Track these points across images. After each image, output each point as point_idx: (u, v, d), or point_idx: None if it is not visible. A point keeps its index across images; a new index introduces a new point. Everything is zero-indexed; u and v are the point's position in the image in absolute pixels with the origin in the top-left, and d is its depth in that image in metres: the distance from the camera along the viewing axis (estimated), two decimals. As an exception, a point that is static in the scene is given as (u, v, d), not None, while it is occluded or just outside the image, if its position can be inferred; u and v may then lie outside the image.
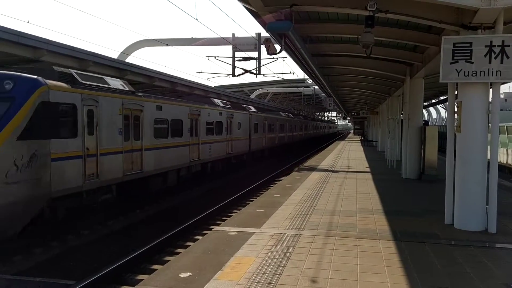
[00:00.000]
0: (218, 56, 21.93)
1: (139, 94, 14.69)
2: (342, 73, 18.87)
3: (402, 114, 17.76)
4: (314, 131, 63.87)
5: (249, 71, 21.07)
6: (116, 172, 13.00)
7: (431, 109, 67.32)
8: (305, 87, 47.31)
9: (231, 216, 10.98)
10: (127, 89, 14.19)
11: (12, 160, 9.36)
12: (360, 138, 55.00)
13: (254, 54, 21.25)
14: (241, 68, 21.17)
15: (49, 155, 10.29)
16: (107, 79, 13.47)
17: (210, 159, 20.16)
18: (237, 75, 21.55)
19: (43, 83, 10.29)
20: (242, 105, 27.76)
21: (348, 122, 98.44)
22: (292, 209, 10.22)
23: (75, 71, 12.31)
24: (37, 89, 10.05)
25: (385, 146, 24.42)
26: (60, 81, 10.98)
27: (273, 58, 21.13)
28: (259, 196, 15.22)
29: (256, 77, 26.10)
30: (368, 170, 18.71)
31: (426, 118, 67.87)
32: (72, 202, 11.33)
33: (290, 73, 42.11)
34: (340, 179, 15.41)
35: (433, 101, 38.77)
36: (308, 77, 23.92)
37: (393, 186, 14.15)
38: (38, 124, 9.99)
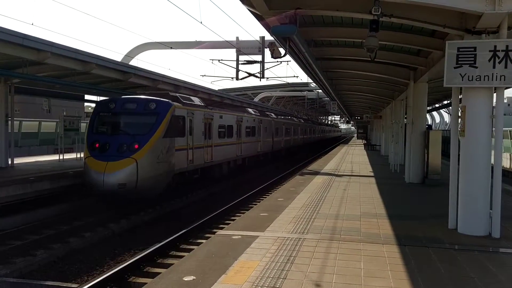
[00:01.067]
0: (222, 60, 22.04)
1: (210, 107, 20.45)
2: (346, 77, 18.84)
3: (405, 118, 17.73)
4: (320, 135, 65.84)
5: (253, 75, 21.19)
6: (201, 160, 18.62)
7: (435, 113, 66.92)
8: (309, 90, 47.38)
9: (235, 219, 10.98)
10: (203, 104, 20.05)
11: (160, 149, 15.07)
12: (363, 142, 54.76)
13: (258, 57, 21.33)
14: (245, 72, 21.34)
15: (174, 147, 15.97)
16: (192, 98, 19.58)
17: (247, 155, 25.48)
18: (241, 79, 21.75)
19: (172, 104, 16.03)
20: (266, 112, 32.91)
21: (352, 126, 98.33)
22: (296, 213, 10.17)
23: (180, 94, 18.62)
24: (170, 107, 15.76)
25: (388, 150, 24.27)
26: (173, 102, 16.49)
27: (277, 61, 20.94)
28: (262, 199, 15.29)
29: (260, 80, 26.08)
30: (372, 174, 18.67)
31: (430, 122, 67.51)
32: (181, 178, 16.94)
33: (294, 76, 42.31)
34: (344, 183, 15.37)
35: (437, 105, 38.68)
36: (312, 81, 23.96)
37: (397, 190, 14.11)
38: (171, 129, 15.65)
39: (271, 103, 49.17)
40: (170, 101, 16.24)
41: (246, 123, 24.95)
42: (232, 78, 22.91)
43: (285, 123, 36.43)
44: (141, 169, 14.22)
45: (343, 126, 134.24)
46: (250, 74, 21.29)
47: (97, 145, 14.74)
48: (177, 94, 18.28)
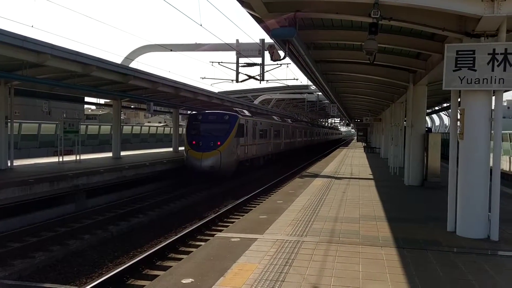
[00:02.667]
0: (222, 62, 22.06)
1: (255, 116, 27.85)
2: (346, 80, 18.82)
3: (405, 121, 17.69)
4: (320, 137, 67.85)
5: (253, 77, 21.24)
6: (252, 153, 26.28)
7: (434, 116, 66.56)
8: (309, 93, 46.91)
9: (234, 222, 11.01)
10: (249, 114, 27.41)
11: (234, 145, 22.65)
12: (363, 144, 54.39)
13: (258, 60, 21.33)
14: (245, 74, 21.33)
15: (239, 144, 23.49)
16: (244, 110, 27.36)
17: (274, 152, 33.21)
18: (241, 81, 21.86)
19: (238, 116, 23.57)
20: (284, 118, 41.01)
21: (352, 128, 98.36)
22: (295, 215, 10.16)
23: (236, 108, 27.06)
24: (237, 119, 23.18)
25: (388, 153, 24.22)
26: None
27: (277, 64, 20.97)
28: (261, 202, 15.23)
29: (260, 83, 26.45)
30: (371, 177, 18.66)
31: (429, 125, 67.09)
32: (241, 164, 24.30)
33: (294, 79, 42.18)
34: (343, 186, 15.37)
35: (436, 108, 38.49)
36: (311, 84, 23.89)
37: (396, 193, 14.10)
38: (238, 132, 23.01)
39: (271, 105, 49.02)
40: (238, 114, 24.11)
41: (275, 127, 33.34)
42: (232, 80, 22.96)
43: (299, 127, 44.76)
44: (223, 157, 21.93)
45: (343, 128, 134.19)
46: (250, 77, 21.36)
47: (193, 142, 22.41)
48: (236, 109, 26.93)
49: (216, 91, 31.60)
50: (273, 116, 36.02)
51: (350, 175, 19.10)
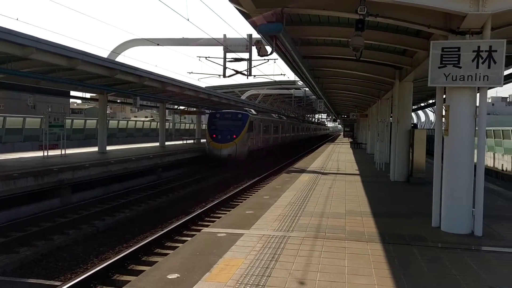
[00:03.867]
0: (209, 57, 21.79)
1: (259, 114, 33.65)
2: (333, 76, 18.80)
3: (391, 117, 17.70)
4: (307, 133, 68.67)
5: (240, 72, 20.89)
6: (257, 145, 31.23)
7: (420, 112, 67.09)
8: (296, 88, 46.89)
9: (220, 217, 10.95)
10: (255, 113, 33.16)
11: (246, 138, 27.84)
12: (349, 140, 54.15)
13: (245, 55, 21.18)
14: (232, 69, 20.97)
15: (250, 137, 28.49)
16: (252, 110, 32.94)
17: (274, 144, 38.10)
18: (228, 76, 21.36)
19: (249, 115, 28.72)
20: (280, 115, 46.42)
21: (338, 124, 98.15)
22: (281, 210, 10.13)
23: (247, 108, 32.96)
24: (249, 117, 28.28)
25: (374, 149, 24.03)
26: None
27: (264, 59, 20.58)
28: (248, 197, 15.17)
29: (247, 78, 26.71)
30: (357, 172, 18.68)
31: (415, 121, 66.85)
32: (251, 153, 28.96)
33: (281, 74, 41.67)
34: (330, 181, 15.35)
35: (422, 104, 38.78)
36: (299, 79, 23.81)
37: (382, 188, 14.13)
38: (249, 128, 27.91)
39: (258, 101, 48.70)
40: (249, 113, 29.46)
41: (276, 124, 39.43)
42: (220, 75, 22.77)
43: (293, 123, 49.08)
44: (238, 148, 27.16)
45: (330, 124, 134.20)
46: (237, 72, 20.90)
47: (214, 135, 27.41)
48: (246, 108, 33.61)
49: (203, 86, 31.78)
50: (272, 114, 41.59)
51: (336, 171, 19.07)
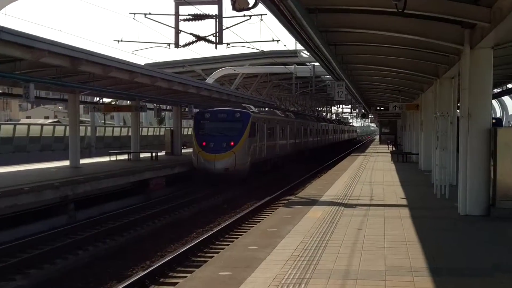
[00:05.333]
0: (150, 13, 16.23)
1: (262, 113, 31.67)
2: (360, 41, 15.64)
3: (458, 108, 15.31)
4: (328, 137, 57.30)
5: (204, 39, 16.49)
6: (264, 154, 28.89)
7: (506, 99, 47.51)
8: (299, 64, 37.74)
9: (177, 284, 8.43)
10: (256, 110, 31.39)
11: (248, 145, 25.26)
12: (390, 148, 44.32)
13: (213, 9, 16.69)
14: (190, 34, 16.37)
15: (254, 143, 26.42)
16: (251, 107, 30.45)
17: (285, 153, 34.52)
18: (184, 46, 16.88)
19: (251, 114, 26.15)
20: (286, 112, 40.55)
21: (371, 122, 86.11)
22: (277, 270, 8.34)
23: (246, 105, 30.22)
24: (250, 117, 25.59)
25: (431, 162, 20.45)
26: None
27: (243, 16, 16.32)
28: (224, 246, 12.16)
29: (216, 48, 19.53)
30: (404, 202, 15.45)
31: (499, 114, 50.71)
32: (255, 166, 26.86)
33: (273, 41, 29.15)
34: (358, 218, 12.66)
35: (510, 86, 30.81)
36: (302, 48, 21.05)
37: (444, 228, 11.77)
38: (251, 132, 25.64)
39: (236, 85, 40.15)
40: (250, 112, 26.65)
41: (279, 124, 34.29)
42: (169, 44, 17.76)
43: (289, 123, 38.11)
44: (238, 159, 23.96)
45: (357, 123, 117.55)
46: (198, 38, 16.65)
47: (204, 143, 23.95)
48: (244, 105, 29.84)
49: (142, 63, 26.03)
50: (276, 111, 36.99)
51: (369, 200, 15.89)
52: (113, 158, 27.06)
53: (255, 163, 26.80)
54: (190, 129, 54.80)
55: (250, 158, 25.51)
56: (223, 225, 15.53)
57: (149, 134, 47.90)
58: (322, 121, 54.81)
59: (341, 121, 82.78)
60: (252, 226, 14.20)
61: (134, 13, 17.39)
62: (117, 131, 43.88)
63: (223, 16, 16.40)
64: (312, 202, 15.41)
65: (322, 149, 50.35)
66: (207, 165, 23.77)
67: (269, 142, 30.06)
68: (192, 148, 25.80)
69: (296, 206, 14.73)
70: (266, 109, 38.59)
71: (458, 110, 16.26)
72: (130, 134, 33.30)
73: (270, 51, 32.61)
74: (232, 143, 24.06)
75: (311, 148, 44.92)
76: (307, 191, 18.53)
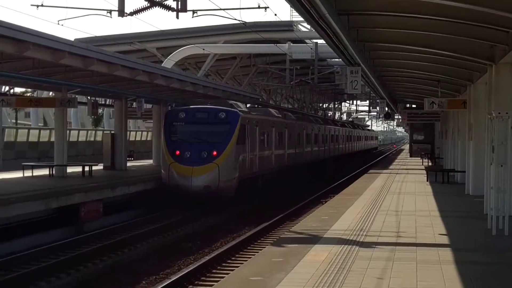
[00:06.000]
0: None
1: (253, 112, 33.01)
2: (382, 10, 16.06)
3: None
4: (340, 145, 57.54)
5: (160, 4, 16.89)
6: (255, 168, 30.82)
7: None
8: (295, 41, 38.20)
9: None
10: (245, 109, 32.27)
11: (235, 155, 26.65)
12: (425, 163, 44.85)
13: None
14: None
15: (243, 153, 27.92)
16: (240, 104, 32.32)
17: (281, 167, 36.37)
18: (131, 13, 17.31)
19: (240, 114, 27.72)
20: (283, 111, 42.92)
21: (397, 125, 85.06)
22: None
23: (233, 102, 31.84)
24: (239, 117, 27.19)
25: (483, 183, 20.37)
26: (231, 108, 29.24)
27: None
28: None
29: (178, 17, 19.52)
30: (445, 241, 15.73)
31: None
32: (244, 184, 28.44)
33: (259, 8, 27.14)
34: (379, 263, 12.62)
35: None
36: (300, 18, 21.01)
37: (503, 278, 11.55)
38: (240, 137, 27.08)
39: (206, 69, 40.92)
40: (238, 111, 28.52)
41: (275, 128, 36.81)
42: (110, 12, 18.33)
43: (287, 126, 39.53)
44: (222, 173, 25.56)
45: (377, 126, 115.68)
46: (153, 3, 17.00)
47: (178, 152, 25.71)
48: (232, 102, 31.41)
49: (72, 39, 27.33)
50: (270, 110, 38.43)
51: (395, 237, 15.99)
52: (28, 173, 26.97)
53: (244, 179, 27.45)
54: (138, 133, 54.85)
55: (238, 172, 26.29)
56: (180, 274, 15.33)
57: (80, 139, 47.32)
58: (331, 124, 55.49)
59: (356, 124, 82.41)
60: (227, 273, 14.29)
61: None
62: (34, 135, 43.39)
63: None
64: (314, 240, 15.45)
65: (329, 163, 50.96)
66: (181, 181, 24.51)
67: (262, 152, 31.00)
68: (159, 159, 27.41)
69: (290, 245, 14.73)
70: (257, 106, 38.90)
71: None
72: (53, 139, 33.29)
73: (255, 22, 33.48)
74: (215, 153, 24.83)
75: (315, 161, 45.68)
76: (307, 224, 18.73)
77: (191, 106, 28.83)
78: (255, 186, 30.80)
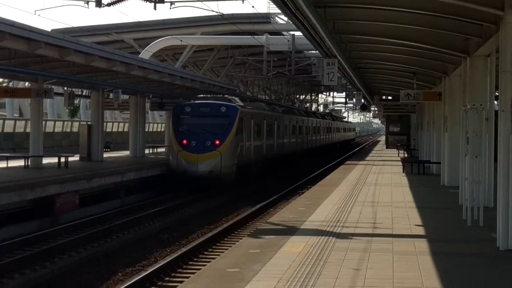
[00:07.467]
0: None
1: (249, 107, 36.70)
2: (359, 2, 16.23)
3: (496, 98, 16.47)
4: (321, 136, 60.43)
5: None
6: (251, 156, 34.99)
7: None
8: (272, 33, 38.85)
9: None
10: (242, 104, 35.46)
11: (235, 144, 30.95)
12: (401, 154, 45.67)
13: None
14: None
15: (242, 143, 32.10)
16: (237, 99, 36.31)
17: (270, 156, 40.50)
18: (108, 4, 17.59)
19: (238, 108, 31.64)
20: (271, 104, 47.21)
21: (373, 117, 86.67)
22: None
23: (231, 97, 36.30)
24: (238, 111, 31.12)
25: (458, 175, 20.94)
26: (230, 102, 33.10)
27: None
28: None
29: (155, 8, 19.87)
30: (421, 231, 15.73)
31: None
32: (241, 170, 32.33)
33: (236, 0, 29.64)
34: (356, 254, 12.72)
35: None
36: (278, 10, 21.65)
37: (478, 269, 11.73)
38: (238, 128, 31.15)
39: (183, 60, 41.17)
40: (238, 105, 32.34)
41: (266, 120, 40.42)
42: (88, 2, 18.51)
43: (276, 119, 43.50)
44: (224, 160, 29.19)
45: (353, 118, 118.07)
46: None
47: (185, 142, 29.22)
48: (230, 97, 35.61)
49: (48, 29, 25.92)
50: (261, 104, 42.66)
51: (371, 228, 15.93)
52: (3, 164, 27.18)
53: (242, 166, 31.19)
54: (115, 124, 55.56)
55: (237, 159, 30.19)
56: (156, 266, 15.23)
57: (56, 130, 47.24)
58: (313, 116, 57.61)
59: (335, 116, 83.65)
60: (203, 265, 14.26)
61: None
62: (9, 126, 43.70)
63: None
64: (291, 231, 15.37)
65: (307, 154, 52.01)
66: (188, 167, 28.17)
67: (257, 142, 35.28)
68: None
69: (267, 236, 14.66)
70: (248, 100, 42.31)
71: (496, 102, 16.54)
72: (28, 130, 33.52)
73: (232, 14, 33.79)
74: (217, 142, 28.74)
75: (292, 152, 47.96)
76: (283, 215, 18.64)
77: (195, 101, 32.78)
78: (250, 172, 34.05)
